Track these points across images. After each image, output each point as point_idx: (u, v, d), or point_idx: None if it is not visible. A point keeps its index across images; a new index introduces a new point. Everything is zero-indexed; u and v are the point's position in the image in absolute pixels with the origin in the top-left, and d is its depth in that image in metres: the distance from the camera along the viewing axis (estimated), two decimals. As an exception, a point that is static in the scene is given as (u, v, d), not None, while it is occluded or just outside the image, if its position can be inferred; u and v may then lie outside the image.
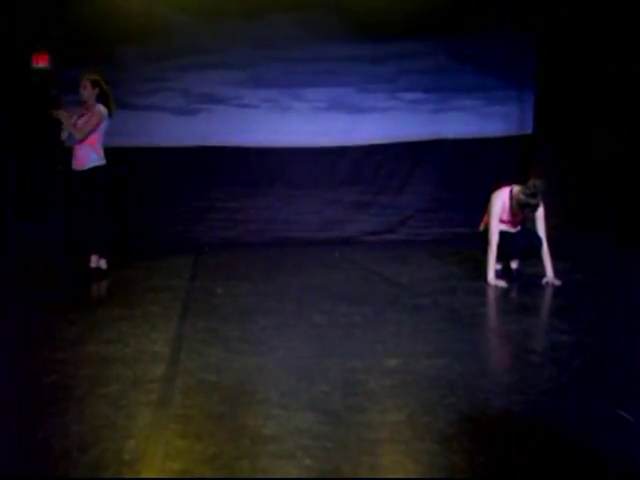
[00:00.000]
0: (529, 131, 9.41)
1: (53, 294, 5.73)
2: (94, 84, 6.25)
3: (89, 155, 6.18)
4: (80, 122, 6.21)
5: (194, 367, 3.52)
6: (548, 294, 5.65)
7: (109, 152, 6.28)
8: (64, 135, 6.38)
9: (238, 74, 9.06)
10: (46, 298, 5.56)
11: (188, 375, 3.39)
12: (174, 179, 9.03)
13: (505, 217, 5.92)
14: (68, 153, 6.54)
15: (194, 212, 9.14)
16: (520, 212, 5.84)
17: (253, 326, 4.44)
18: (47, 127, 8.52)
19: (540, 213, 5.83)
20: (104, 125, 6.25)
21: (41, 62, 8.54)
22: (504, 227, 5.94)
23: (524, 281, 6.09)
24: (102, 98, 6.26)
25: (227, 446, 2.52)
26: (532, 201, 5.67)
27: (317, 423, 2.73)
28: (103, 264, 6.35)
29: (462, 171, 9.30)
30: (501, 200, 5.89)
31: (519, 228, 6.06)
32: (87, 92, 6.24)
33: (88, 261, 6.33)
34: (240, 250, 8.56)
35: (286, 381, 3.29)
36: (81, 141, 6.19)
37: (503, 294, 5.64)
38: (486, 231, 5.97)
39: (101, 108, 6.20)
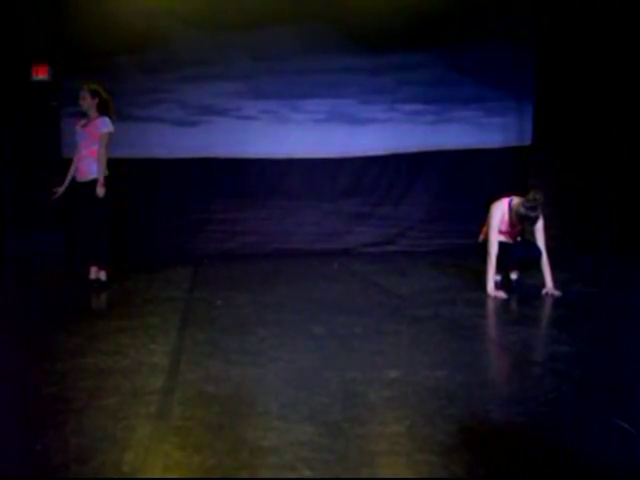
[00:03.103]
0: (528, 142, 9.43)
1: (52, 305, 5.74)
2: (93, 94, 6.24)
3: (91, 167, 6.18)
4: (95, 147, 6.19)
5: (193, 379, 3.51)
6: (548, 305, 5.65)
7: (108, 163, 6.27)
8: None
9: (237, 86, 9.09)
10: (45, 309, 5.56)
11: (187, 387, 3.38)
12: (173, 190, 9.05)
13: (504, 228, 5.93)
14: (68, 164, 6.56)
15: (193, 223, 9.15)
16: (519, 224, 5.84)
17: (252, 337, 4.43)
18: (47, 138, 8.59)
19: (539, 225, 5.82)
20: None
21: (41, 74, 8.57)
22: (503, 238, 5.94)
23: (524, 292, 6.08)
24: (102, 107, 6.26)
25: (226, 458, 2.51)
26: (532, 214, 5.67)
27: (317, 435, 2.72)
28: (103, 275, 6.34)
29: (461, 182, 9.33)
30: (500, 211, 5.89)
31: (518, 239, 6.06)
32: (87, 102, 6.24)
33: (88, 272, 6.33)
34: (239, 261, 8.56)
35: (286, 393, 3.28)
36: (84, 153, 6.20)
37: (503, 305, 5.63)
38: (485, 242, 5.97)
39: (108, 122, 6.19)
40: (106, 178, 6.21)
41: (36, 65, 8.57)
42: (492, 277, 5.87)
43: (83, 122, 6.32)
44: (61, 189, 6.31)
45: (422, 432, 2.75)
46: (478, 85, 9.33)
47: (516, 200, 5.80)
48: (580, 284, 6.50)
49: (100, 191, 6.08)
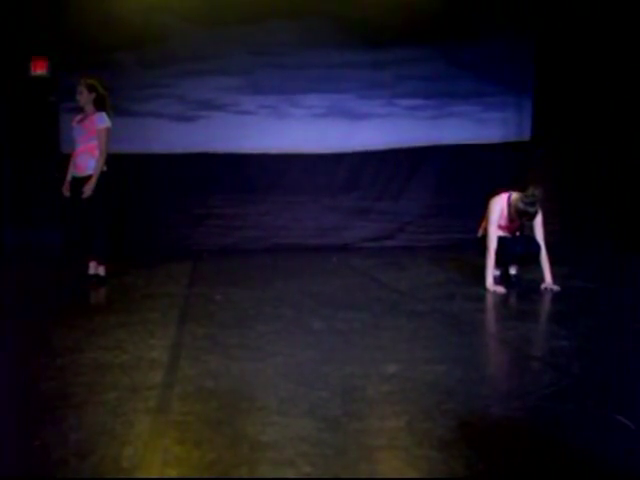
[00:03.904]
0: (527, 137, 9.43)
1: (51, 301, 5.74)
2: (90, 89, 6.21)
3: (89, 162, 6.15)
4: (94, 142, 6.16)
5: (192, 374, 3.51)
6: (547, 300, 5.65)
7: (107, 158, 6.24)
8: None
9: (236, 81, 9.07)
10: (44, 305, 5.56)
11: (186, 382, 3.38)
12: (172, 186, 9.04)
13: (503, 223, 5.93)
14: (66, 160, 6.56)
15: (192, 219, 9.14)
16: (518, 219, 5.84)
17: (251, 332, 4.43)
18: (45, 134, 8.58)
19: (538, 220, 5.83)
20: None
21: (40, 69, 8.56)
22: (502, 233, 5.94)
23: (523, 287, 6.09)
24: (99, 102, 6.23)
25: (226, 453, 2.51)
26: (531, 209, 5.67)
27: (316, 430, 2.72)
28: (101, 271, 6.33)
29: (460, 177, 9.32)
30: (499, 206, 5.89)
31: (517, 234, 6.06)
32: (84, 97, 6.21)
33: (86, 268, 6.32)
34: (238, 256, 8.56)
35: (285, 387, 3.28)
36: (81, 148, 6.19)
37: (502, 300, 5.63)
38: (485, 237, 5.97)
39: (104, 117, 6.17)
40: (105, 174, 6.20)
41: (35, 60, 8.56)
42: (491, 272, 5.87)
43: (80, 118, 6.30)
44: (66, 187, 6.29)
45: (421, 427, 2.75)
46: (477, 80, 9.32)
47: (515, 195, 5.80)
48: (579, 279, 6.51)
49: (88, 188, 6.06)
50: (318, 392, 3.19)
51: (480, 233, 6.19)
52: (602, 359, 3.86)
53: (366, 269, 7.41)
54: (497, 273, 6.13)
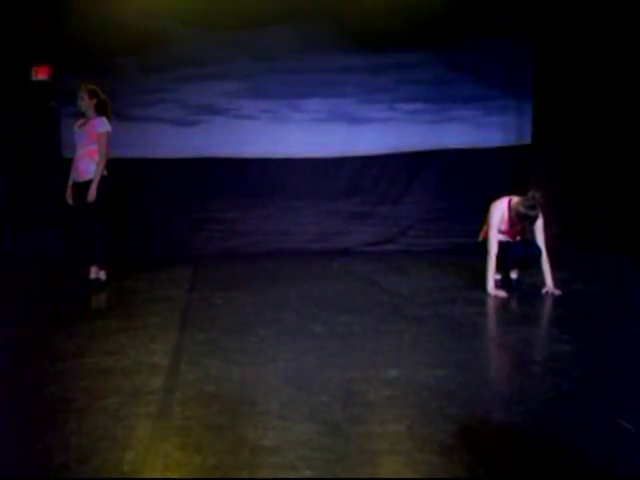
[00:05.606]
0: (527, 141, 9.42)
1: (52, 305, 5.74)
2: (92, 94, 6.25)
3: (89, 166, 6.17)
4: (95, 147, 6.18)
5: (193, 378, 3.51)
6: (548, 304, 5.65)
7: (107, 163, 6.25)
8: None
9: (237, 85, 9.09)
10: (45, 309, 5.56)
11: (187, 386, 3.38)
12: (173, 190, 9.05)
13: (504, 227, 5.93)
14: (67, 164, 6.57)
15: (193, 223, 9.15)
16: (519, 223, 5.84)
17: (252, 337, 4.43)
18: (46, 138, 8.59)
19: (539, 223, 5.83)
20: None
21: (41, 74, 8.58)
22: (503, 237, 5.94)
23: (524, 291, 6.08)
24: (100, 108, 6.26)
25: (227, 457, 2.51)
26: (531, 213, 5.67)
27: (317, 434, 2.72)
28: (102, 275, 6.34)
29: (461, 181, 9.32)
30: (500, 210, 5.89)
31: (518, 238, 6.06)
32: (85, 103, 6.24)
33: (87, 272, 6.32)
34: (239, 261, 8.56)
35: (286, 392, 3.28)
36: (82, 152, 6.20)
37: (503, 304, 5.63)
38: (485, 241, 5.97)
39: (105, 121, 6.19)
40: (105, 178, 6.21)
41: (36, 65, 8.58)
42: (492, 276, 5.87)
43: (81, 122, 6.33)
44: (69, 193, 6.32)
45: (422, 431, 2.75)
46: (477, 84, 9.33)
47: (515, 199, 5.80)
48: (580, 283, 6.50)
49: (92, 194, 6.08)
50: (319, 396, 3.19)
51: (481, 237, 6.19)
52: (603, 363, 3.86)
53: (367, 273, 7.41)
54: (498, 277, 6.13)
